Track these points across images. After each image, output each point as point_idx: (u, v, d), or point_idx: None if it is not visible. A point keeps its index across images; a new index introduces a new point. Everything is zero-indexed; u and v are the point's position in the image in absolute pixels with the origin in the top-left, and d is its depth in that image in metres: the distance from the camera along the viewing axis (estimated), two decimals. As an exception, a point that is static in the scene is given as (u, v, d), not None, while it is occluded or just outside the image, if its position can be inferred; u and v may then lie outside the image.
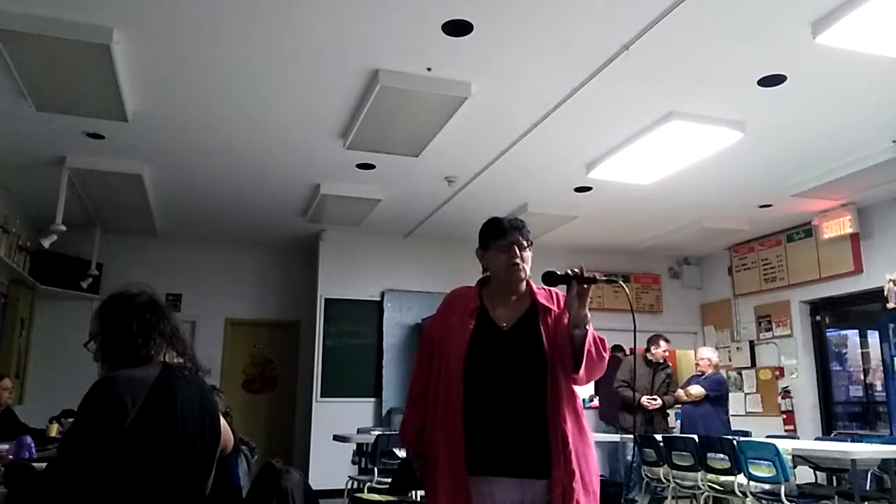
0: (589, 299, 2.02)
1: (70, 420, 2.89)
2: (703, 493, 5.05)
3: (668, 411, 6.37)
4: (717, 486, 4.93)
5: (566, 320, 2.07)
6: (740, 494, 4.70)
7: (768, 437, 5.61)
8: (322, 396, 7.63)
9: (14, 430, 4.61)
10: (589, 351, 2.03)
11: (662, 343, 6.30)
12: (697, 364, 6.56)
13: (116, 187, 6.06)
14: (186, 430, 1.79)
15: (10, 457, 3.10)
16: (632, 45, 3.77)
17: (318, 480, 6.39)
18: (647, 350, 6.30)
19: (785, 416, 7.51)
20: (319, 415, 7.53)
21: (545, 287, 2.17)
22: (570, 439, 2.03)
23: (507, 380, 2.07)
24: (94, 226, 7.30)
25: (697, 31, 3.68)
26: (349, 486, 5.96)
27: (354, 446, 6.36)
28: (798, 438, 6.83)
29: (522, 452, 2.03)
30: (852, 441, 5.42)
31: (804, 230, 7.40)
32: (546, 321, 2.13)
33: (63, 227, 5.60)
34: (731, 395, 7.00)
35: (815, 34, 3.59)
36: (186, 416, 1.80)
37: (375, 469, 5.34)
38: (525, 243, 2.16)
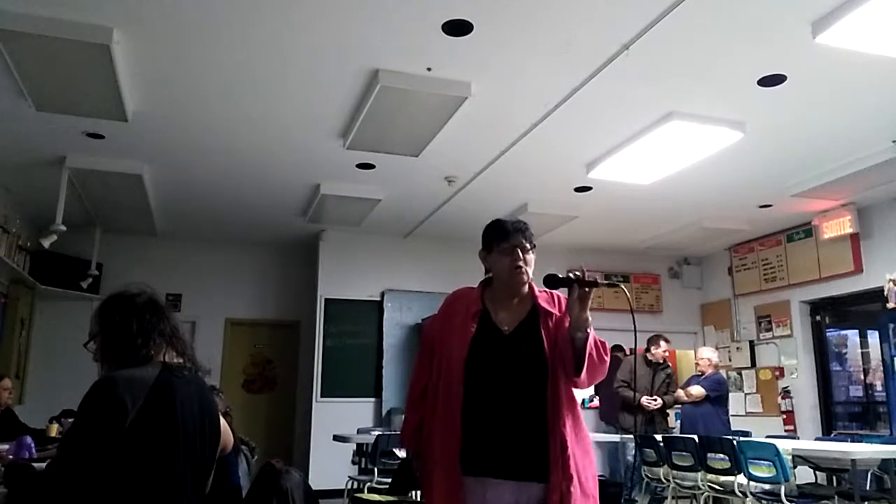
0: (590, 302, 2.02)
1: (70, 420, 2.89)
2: (703, 494, 5.05)
3: (668, 411, 6.37)
4: (717, 487, 4.93)
5: (567, 324, 2.07)
6: (740, 494, 4.70)
7: (768, 437, 5.61)
8: (322, 396, 7.63)
9: (14, 430, 4.61)
10: (590, 354, 2.02)
11: (662, 343, 6.30)
12: (697, 364, 6.57)
13: (116, 187, 6.06)
14: (186, 430, 1.79)
15: (10, 457, 3.10)
16: (632, 45, 3.77)
17: (318, 480, 6.39)
18: (647, 350, 6.30)
19: (785, 417, 7.51)
20: (319, 415, 7.53)
21: (546, 290, 2.17)
22: (569, 443, 2.03)
23: (508, 383, 2.07)
24: (94, 226, 7.30)
25: (697, 31, 3.68)
26: (349, 486, 5.96)
27: (354, 446, 6.36)
28: (798, 438, 6.83)
29: (520, 455, 2.03)
30: (852, 441, 5.42)
31: (804, 230, 7.40)
32: (547, 325, 2.13)
33: (63, 227, 5.60)
34: (731, 395, 7.00)
35: (815, 34, 3.59)
36: (186, 416, 1.80)
37: (375, 469, 5.34)
38: (528, 246, 2.16)
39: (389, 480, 4.68)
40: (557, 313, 2.15)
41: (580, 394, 2.18)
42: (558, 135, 5.06)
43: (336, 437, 6.04)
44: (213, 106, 4.63)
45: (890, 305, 6.17)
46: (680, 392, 6.30)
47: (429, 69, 4.09)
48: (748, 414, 7.99)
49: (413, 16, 3.53)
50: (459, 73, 4.17)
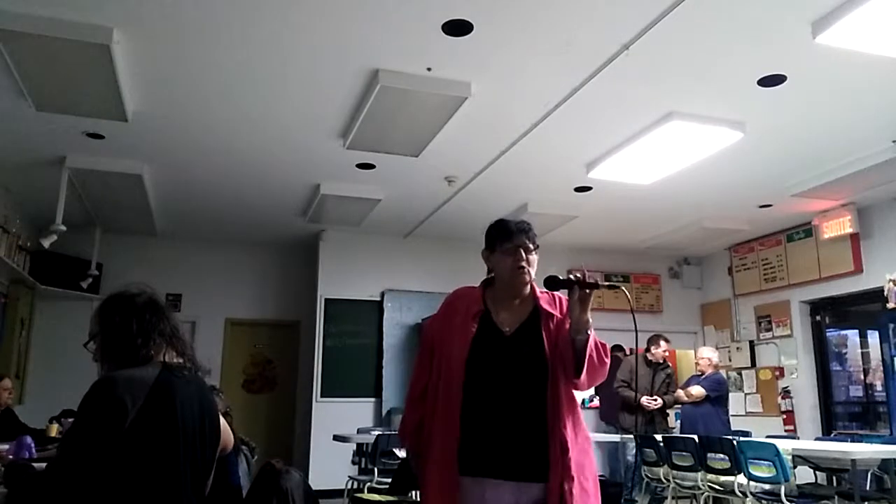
0: (591, 304, 2.02)
1: (70, 420, 2.89)
2: (703, 494, 5.05)
3: (667, 411, 6.37)
4: (717, 487, 4.93)
5: (568, 325, 2.07)
6: (740, 494, 4.70)
7: (768, 437, 5.61)
8: (322, 396, 7.63)
9: (14, 430, 4.61)
10: (590, 356, 2.02)
11: (662, 343, 6.30)
12: (697, 364, 6.57)
13: (116, 187, 6.06)
14: (186, 430, 1.79)
15: (10, 457, 3.10)
16: (632, 45, 3.77)
17: (318, 480, 6.39)
18: (647, 350, 6.31)
19: (785, 416, 7.51)
20: (319, 415, 7.53)
21: (547, 291, 2.17)
22: (570, 444, 2.02)
23: (508, 384, 2.07)
24: (94, 226, 7.30)
25: (697, 31, 3.68)
26: (349, 486, 5.96)
27: (354, 446, 6.36)
28: (798, 438, 6.83)
29: (520, 456, 2.03)
30: (852, 441, 5.42)
31: (804, 230, 7.40)
32: (548, 326, 2.13)
33: (63, 227, 5.60)
34: (731, 395, 7.00)
35: (815, 34, 3.59)
36: (186, 416, 1.80)
37: (375, 469, 5.33)
38: (531, 246, 2.16)
39: (389, 480, 4.68)
40: (558, 315, 2.14)
41: (580, 394, 2.18)
42: (558, 135, 5.06)
43: (336, 437, 6.04)
44: (213, 106, 4.63)
45: (890, 305, 6.17)
46: (680, 392, 6.30)
47: (429, 69, 4.09)
48: (748, 414, 7.99)
49: (413, 16, 3.53)
50: (459, 73, 4.17)
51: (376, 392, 7.79)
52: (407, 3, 3.43)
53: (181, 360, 1.90)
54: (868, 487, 4.90)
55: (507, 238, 2.16)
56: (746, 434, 5.89)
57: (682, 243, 8.20)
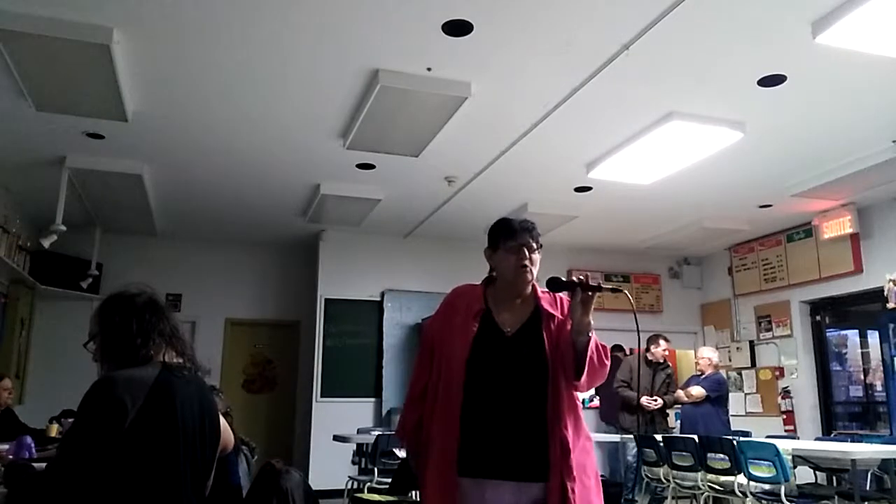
0: (593, 306, 2.02)
1: (70, 420, 2.89)
2: (703, 494, 5.05)
3: (667, 411, 6.37)
4: (717, 487, 4.93)
5: (569, 326, 2.07)
6: (740, 494, 4.69)
7: (768, 437, 5.61)
8: (322, 396, 7.63)
9: (14, 430, 4.61)
10: (591, 358, 2.02)
11: (662, 342, 6.30)
12: (697, 364, 6.56)
13: (116, 187, 6.06)
14: (186, 430, 1.79)
15: (10, 457, 3.10)
16: (632, 45, 3.77)
17: (318, 480, 6.39)
18: (647, 350, 6.31)
19: (785, 417, 7.51)
20: (319, 415, 7.53)
21: (549, 291, 2.17)
22: (570, 444, 2.02)
23: (509, 385, 2.07)
24: (94, 226, 7.30)
25: (697, 31, 3.68)
26: (349, 486, 5.96)
27: (354, 446, 6.36)
28: (798, 438, 6.83)
29: (521, 456, 2.02)
30: (852, 441, 5.42)
31: (804, 230, 7.40)
32: (549, 327, 2.13)
33: (63, 227, 5.60)
34: (731, 395, 7.00)
35: (815, 34, 3.59)
36: (186, 416, 1.80)
37: (375, 469, 5.34)
38: (534, 246, 2.16)
39: (389, 480, 4.68)
40: (560, 316, 2.14)
41: (580, 394, 2.18)
42: (558, 135, 5.06)
43: (336, 437, 6.04)
44: (213, 106, 4.63)
45: (890, 305, 6.17)
46: (680, 392, 6.30)
47: (429, 69, 4.09)
48: (748, 414, 7.99)
49: (413, 16, 3.53)
50: (459, 73, 4.17)
51: (376, 392, 7.79)
52: (407, 3, 3.43)
53: (181, 360, 1.90)
54: (868, 487, 4.90)
55: (510, 236, 2.16)
56: (746, 434, 5.89)
57: (682, 243, 8.20)
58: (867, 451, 4.52)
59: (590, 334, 2.02)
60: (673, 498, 5.42)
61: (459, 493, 2.02)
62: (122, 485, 1.69)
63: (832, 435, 6.84)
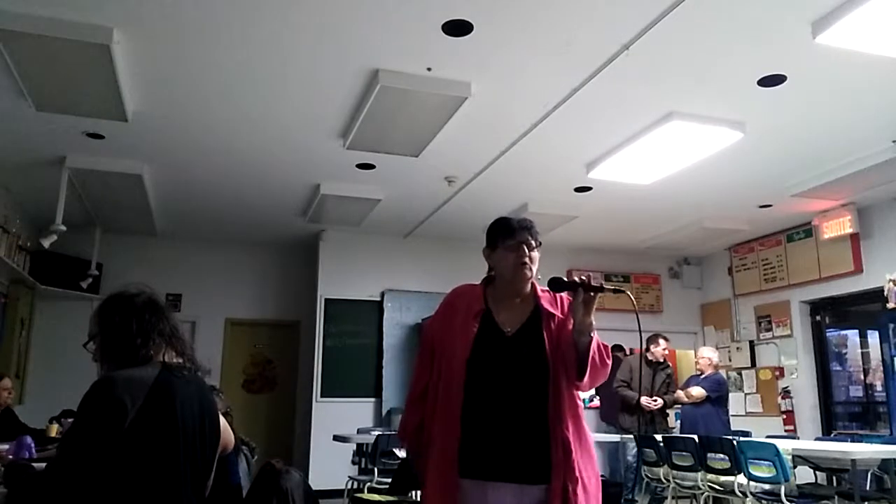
0: (595, 307, 2.02)
1: (70, 420, 2.89)
2: (703, 494, 5.05)
3: (667, 411, 6.37)
4: (717, 487, 4.93)
5: (570, 326, 2.07)
6: (740, 494, 4.70)
7: (768, 437, 5.61)
8: (322, 396, 7.63)
9: (14, 430, 4.61)
10: (593, 358, 2.02)
11: (662, 342, 6.30)
12: (697, 364, 6.56)
13: (116, 187, 6.06)
14: (186, 429, 1.79)
15: (10, 457, 3.10)
16: (632, 45, 3.76)
17: (318, 480, 6.39)
18: (647, 350, 6.31)
19: (785, 416, 7.51)
20: (319, 415, 7.53)
21: (549, 290, 2.16)
22: (572, 445, 2.02)
23: (509, 385, 2.06)
24: (94, 226, 7.30)
25: (697, 31, 3.68)
26: (349, 486, 5.96)
27: (354, 446, 6.36)
28: (798, 438, 6.83)
29: (522, 458, 2.02)
30: (852, 441, 5.42)
31: (804, 230, 7.40)
32: (549, 326, 2.12)
33: (63, 227, 5.60)
34: (731, 395, 7.00)
35: (815, 34, 3.59)
36: (186, 416, 1.80)
37: (375, 469, 5.33)
38: (534, 244, 2.16)
39: (389, 480, 4.68)
40: (560, 315, 2.14)
41: (581, 394, 2.18)
42: (558, 135, 5.06)
43: (336, 437, 6.04)
44: (213, 106, 4.63)
45: (890, 305, 6.17)
46: (680, 393, 6.30)
47: (429, 69, 4.09)
48: (748, 414, 7.99)
49: (413, 16, 3.53)
50: (459, 73, 4.17)
51: (376, 392, 7.79)
52: (407, 3, 3.43)
53: (181, 360, 1.90)
54: (868, 487, 4.90)
55: (509, 234, 2.16)
56: (746, 434, 5.89)
57: (682, 243, 8.20)
58: (867, 451, 4.52)
59: (591, 334, 2.02)
60: (673, 498, 5.42)
61: (460, 495, 2.01)
62: (122, 485, 1.69)
63: (832, 435, 6.84)
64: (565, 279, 2.06)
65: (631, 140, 5.08)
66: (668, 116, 4.68)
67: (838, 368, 7.52)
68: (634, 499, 6.13)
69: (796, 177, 5.98)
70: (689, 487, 5.18)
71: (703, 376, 6.34)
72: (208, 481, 1.89)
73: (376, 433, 5.65)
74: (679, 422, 6.90)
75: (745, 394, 8.12)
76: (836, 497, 4.48)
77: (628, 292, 2.18)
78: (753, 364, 8.12)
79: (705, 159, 5.37)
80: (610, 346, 2.17)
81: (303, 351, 8.40)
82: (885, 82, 4.23)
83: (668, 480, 5.30)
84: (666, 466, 5.29)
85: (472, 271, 2.40)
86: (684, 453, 5.09)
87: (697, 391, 6.18)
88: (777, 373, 7.77)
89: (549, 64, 4.03)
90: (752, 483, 4.57)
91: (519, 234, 2.15)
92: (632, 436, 6.02)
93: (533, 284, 2.19)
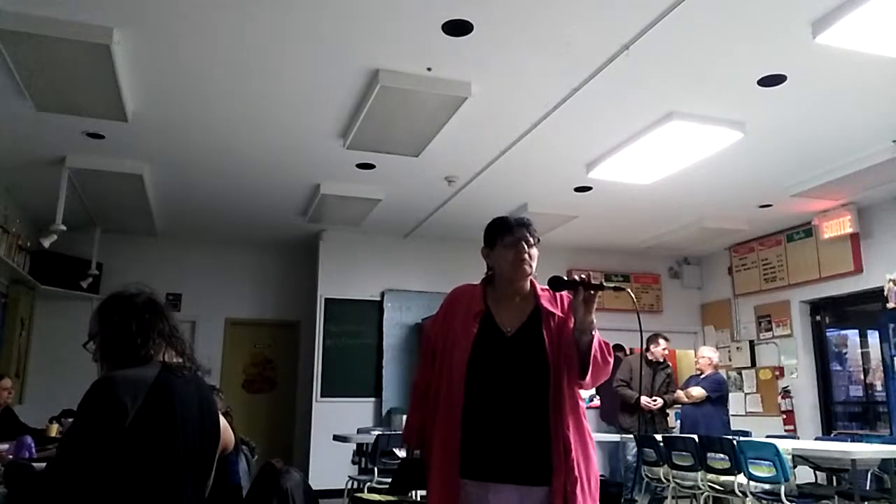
0: (595, 305, 2.02)
1: (70, 420, 2.89)
2: (703, 493, 5.05)
3: (667, 411, 6.37)
4: (717, 486, 4.93)
5: (571, 324, 2.07)
6: (740, 494, 4.70)
7: (768, 437, 5.61)
8: (322, 396, 7.63)
9: (14, 430, 4.61)
10: (595, 357, 2.02)
11: (662, 341, 6.30)
12: (697, 363, 6.56)
13: (116, 187, 6.06)
14: (186, 429, 1.79)
15: (10, 457, 3.11)
16: (632, 45, 3.77)
17: (318, 480, 6.39)
18: (647, 349, 6.31)
19: (785, 416, 7.51)
20: (319, 415, 7.52)
21: (548, 289, 2.17)
22: (572, 445, 2.02)
23: (510, 386, 2.06)
24: (94, 226, 7.30)
25: (697, 31, 3.68)
26: (349, 486, 5.96)
27: (354, 446, 6.36)
28: (798, 438, 6.83)
29: (523, 459, 2.02)
30: (852, 441, 5.42)
31: (804, 230, 7.40)
32: (549, 325, 2.12)
33: (63, 227, 5.60)
34: (731, 395, 7.00)
35: (815, 34, 3.59)
36: (186, 416, 1.80)
37: (375, 469, 5.34)
38: (532, 240, 2.16)
39: (389, 480, 4.68)
40: (560, 313, 2.14)
41: (582, 392, 2.17)
42: (558, 135, 5.06)
43: (336, 437, 6.04)
44: (213, 106, 4.63)
45: (890, 305, 6.16)
46: (680, 393, 6.30)
47: (429, 69, 4.09)
48: (748, 414, 7.99)
49: (413, 16, 3.53)
50: (459, 73, 4.17)
51: (376, 392, 7.79)
52: (407, 3, 3.43)
53: (181, 360, 1.90)
54: (868, 487, 4.89)
55: (508, 231, 2.17)
56: (746, 434, 5.89)
57: (682, 243, 8.20)
58: (867, 451, 4.52)
59: (593, 333, 2.02)
60: (673, 498, 5.42)
61: (463, 495, 2.02)
62: (122, 485, 1.69)
63: (832, 435, 6.84)
64: (565, 278, 2.06)
65: (631, 140, 5.08)
66: (668, 116, 4.68)
67: (838, 368, 7.52)
68: (634, 499, 6.13)
69: (796, 177, 5.98)
70: (689, 487, 5.18)
71: (703, 376, 6.34)
72: (208, 481, 1.89)
73: (376, 433, 5.65)
74: (679, 422, 6.90)
75: (745, 394, 8.12)
76: (836, 497, 4.48)
77: (628, 290, 2.18)
78: (753, 364, 8.12)
79: (705, 159, 5.37)
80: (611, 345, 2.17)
81: (303, 351, 8.40)
82: (885, 82, 4.23)
83: (668, 480, 5.30)
84: (666, 466, 5.29)
85: (472, 271, 2.40)
86: (684, 453, 5.09)
87: (697, 391, 6.18)
88: (777, 373, 7.77)
89: (549, 64, 4.03)
90: (752, 483, 4.57)
91: (517, 230, 2.16)
92: (632, 436, 6.02)
93: (532, 283, 2.19)
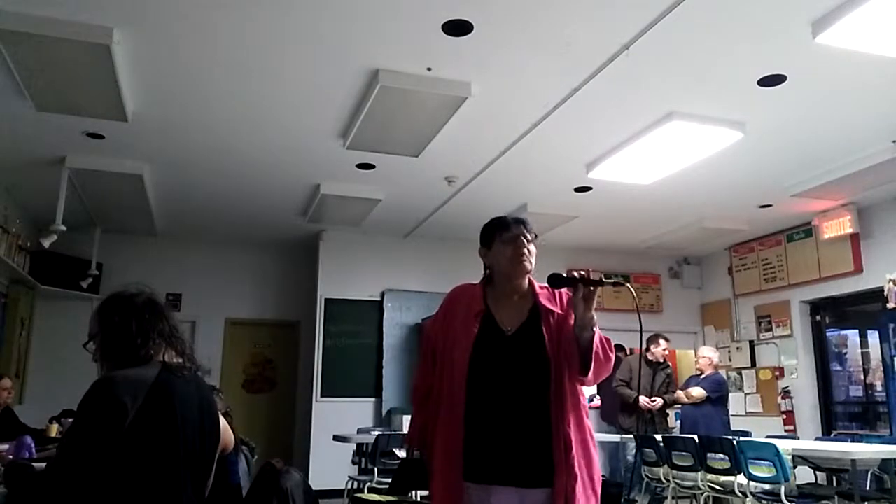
0: (595, 302, 2.02)
1: (70, 420, 2.89)
2: (703, 494, 5.05)
3: (667, 411, 6.37)
4: (717, 487, 4.93)
5: (571, 322, 2.06)
6: (740, 494, 4.69)
7: (768, 437, 5.61)
8: (322, 396, 7.63)
9: (14, 430, 4.61)
10: (596, 353, 2.01)
11: (662, 342, 6.30)
12: (697, 363, 6.56)
13: (116, 187, 6.06)
14: (186, 429, 1.79)
15: (10, 457, 3.11)
16: (632, 45, 3.77)
17: (318, 480, 6.39)
18: (647, 349, 6.31)
19: (785, 417, 7.51)
20: (319, 415, 7.53)
21: (547, 287, 2.16)
22: (573, 443, 2.01)
23: (511, 385, 2.06)
24: (94, 226, 7.30)
25: (697, 31, 3.68)
26: (349, 486, 5.96)
27: (354, 446, 6.36)
28: (798, 438, 6.83)
29: (524, 461, 2.02)
30: (852, 441, 5.42)
31: (804, 230, 7.40)
32: (549, 323, 2.12)
33: (63, 227, 5.60)
34: (731, 395, 7.00)
35: (815, 34, 3.59)
36: (186, 416, 1.80)
37: (375, 469, 5.34)
38: (530, 237, 2.17)
39: (389, 480, 4.68)
40: (559, 311, 2.14)
41: (584, 391, 2.17)
42: (558, 135, 5.06)
43: (336, 437, 6.04)
44: (213, 106, 4.63)
45: (890, 305, 6.16)
46: (680, 393, 6.29)
47: (429, 69, 4.09)
48: (748, 414, 7.99)
49: (413, 16, 3.53)
50: (459, 73, 4.17)
51: (376, 392, 7.79)
52: (407, 3, 3.43)
53: (181, 360, 1.90)
54: (868, 487, 4.89)
55: (505, 228, 2.17)
56: (746, 434, 5.89)
57: (682, 243, 8.20)
58: (867, 451, 4.52)
59: (594, 329, 2.02)
60: (673, 498, 5.42)
61: (465, 497, 2.01)
62: (122, 485, 1.69)
63: (832, 435, 6.84)
64: (564, 275, 2.06)
65: (631, 140, 5.08)
66: (668, 116, 4.68)
67: (838, 368, 7.52)
68: (634, 499, 6.13)
69: (796, 177, 5.98)
70: (689, 487, 5.18)
71: (702, 376, 6.34)
72: (208, 481, 1.89)
73: (376, 433, 5.66)
74: (679, 422, 6.89)
75: (745, 394, 8.12)
76: (835, 497, 4.48)
77: (628, 285, 2.17)
78: (753, 364, 8.13)
79: (705, 159, 5.37)
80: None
81: (303, 351, 8.40)
82: (885, 82, 4.23)
83: (668, 480, 5.30)
84: (666, 466, 5.29)
85: (472, 271, 2.39)
86: (684, 453, 5.09)
87: (697, 391, 6.18)
88: (777, 373, 7.77)
89: (549, 64, 4.03)
90: (752, 483, 4.57)
91: (514, 227, 2.17)
92: (632, 436, 6.02)
93: (531, 281, 2.19)
